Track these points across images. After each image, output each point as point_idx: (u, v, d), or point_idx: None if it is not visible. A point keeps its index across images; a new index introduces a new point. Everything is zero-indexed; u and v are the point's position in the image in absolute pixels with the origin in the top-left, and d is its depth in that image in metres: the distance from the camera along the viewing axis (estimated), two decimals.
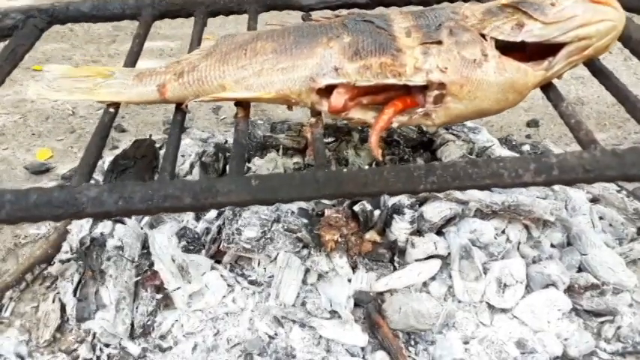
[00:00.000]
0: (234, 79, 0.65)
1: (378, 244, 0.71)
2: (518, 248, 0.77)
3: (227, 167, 0.91)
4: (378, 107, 0.67)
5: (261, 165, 0.90)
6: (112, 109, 0.69)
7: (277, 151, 0.88)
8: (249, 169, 0.89)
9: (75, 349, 0.67)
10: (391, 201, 0.77)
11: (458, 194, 0.76)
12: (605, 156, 0.56)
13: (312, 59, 0.64)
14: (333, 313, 0.69)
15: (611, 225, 0.83)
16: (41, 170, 1.03)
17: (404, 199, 0.77)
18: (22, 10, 0.89)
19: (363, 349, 0.65)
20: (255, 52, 0.66)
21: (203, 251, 0.75)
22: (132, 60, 0.79)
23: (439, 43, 0.65)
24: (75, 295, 0.69)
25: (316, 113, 0.65)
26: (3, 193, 0.53)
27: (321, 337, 0.67)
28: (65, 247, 0.78)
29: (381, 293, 0.70)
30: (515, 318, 0.70)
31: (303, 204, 0.79)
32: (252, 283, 0.73)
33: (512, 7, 0.68)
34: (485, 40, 0.65)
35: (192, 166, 0.91)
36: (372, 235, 0.71)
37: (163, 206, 0.53)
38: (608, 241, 0.81)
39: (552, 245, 0.79)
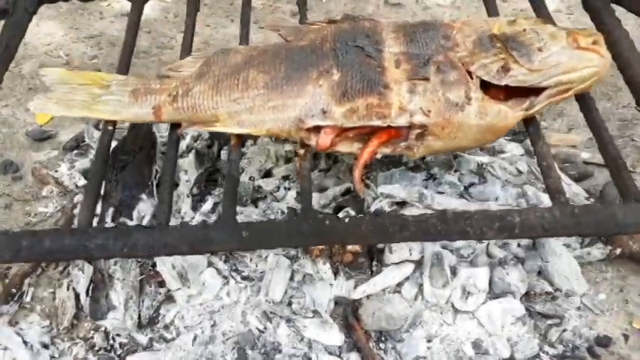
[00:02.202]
0: (227, 112, 0.68)
1: (358, 254, 0.79)
2: (487, 248, 0.85)
3: (221, 153, 0.96)
4: (363, 137, 0.70)
5: (255, 152, 0.94)
6: (110, 127, 0.72)
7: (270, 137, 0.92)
8: (243, 154, 0.94)
9: (91, 337, 0.78)
10: (373, 207, 0.84)
11: (435, 205, 0.82)
12: (563, 216, 0.61)
13: (302, 99, 0.66)
14: (316, 312, 0.78)
15: None
16: (42, 138, 1.07)
17: (385, 206, 0.83)
18: None
19: (339, 347, 0.76)
20: (247, 84, 0.68)
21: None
22: (125, 60, 0.80)
23: (426, 79, 0.67)
24: (87, 295, 0.78)
25: (305, 144, 0.69)
26: (20, 238, 0.59)
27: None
28: None
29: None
30: (475, 318, 0.80)
31: (292, 204, 0.86)
32: (244, 278, 0.82)
33: (501, 41, 0.69)
34: (472, 78, 0.68)
35: (188, 148, 0.96)
36: (353, 246, 0.78)
37: (163, 252, 0.60)
38: (571, 241, 0.88)
39: (519, 245, 0.87)
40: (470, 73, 0.68)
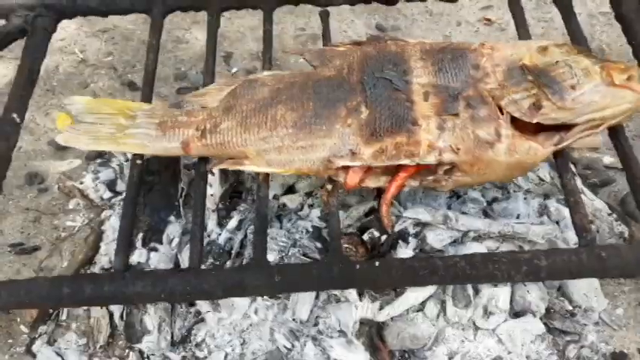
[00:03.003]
0: (255, 150, 0.68)
1: None
2: None
3: None
4: (390, 171, 0.70)
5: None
6: (138, 161, 0.73)
7: None
8: None
9: (127, 355, 0.81)
10: (398, 227, 0.85)
11: (459, 226, 0.83)
12: (590, 259, 0.62)
13: (330, 139, 0.66)
14: (341, 332, 0.81)
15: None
16: (65, 146, 1.07)
17: (409, 227, 0.84)
18: (27, 5, 0.86)
19: None
20: (276, 122, 0.67)
21: (228, 262, 0.85)
22: (148, 85, 0.79)
23: (455, 115, 0.67)
24: (122, 319, 0.80)
25: (332, 179, 0.69)
26: (61, 285, 0.61)
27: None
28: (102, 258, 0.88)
29: None
30: (496, 336, 0.82)
31: (316, 223, 0.87)
32: (271, 296, 0.84)
33: (533, 74, 0.67)
34: (502, 113, 0.67)
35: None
36: None
37: (200, 298, 0.62)
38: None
39: None
40: (500, 108, 0.67)
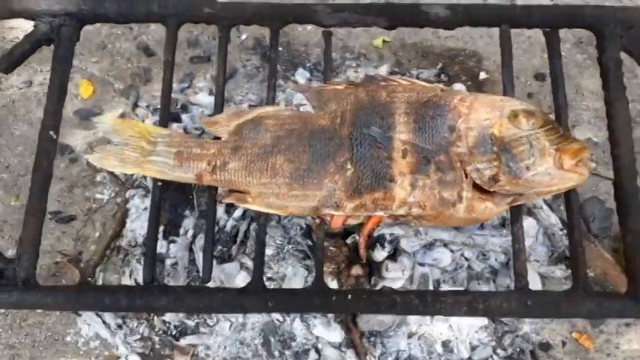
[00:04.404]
0: (257, 192, 0.81)
1: (360, 277, 0.98)
2: (468, 263, 1.04)
3: None
4: None
5: None
6: (159, 183, 0.86)
7: None
8: None
9: (152, 318, 1.02)
10: (376, 232, 1.00)
11: (428, 238, 0.99)
12: (518, 305, 0.78)
13: (320, 192, 0.79)
14: (323, 315, 1.01)
15: (549, 237, 1.07)
16: (89, 116, 1.19)
17: (387, 234, 0.99)
18: (51, 12, 0.92)
19: (340, 343, 1.00)
20: (275, 171, 0.80)
21: (233, 248, 1.03)
22: (165, 109, 0.89)
23: (426, 175, 0.78)
24: None
25: (320, 217, 0.83)
26: (104, 297, 0.78)
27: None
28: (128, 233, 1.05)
29: None
30: (448, 323, 1.02)
31: (309, 222, 1.02)
32: (268, 279, 1.03)
33: (498, 146, 0.78)
34: (466, 177, 0.78)
35: None
36: (356, 271, 0.97)
37: (211, 311, 0.80)
38: (541, 256, 1.06)
39: (495, 259, 1.05)
40: (465, 171, 0.79)
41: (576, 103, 1.23)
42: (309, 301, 0.79)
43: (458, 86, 1.20)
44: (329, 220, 0.82)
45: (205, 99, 1.18)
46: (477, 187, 0.79)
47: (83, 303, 0.78)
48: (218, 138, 0.86)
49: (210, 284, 0.80)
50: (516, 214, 0.83)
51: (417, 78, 1.22)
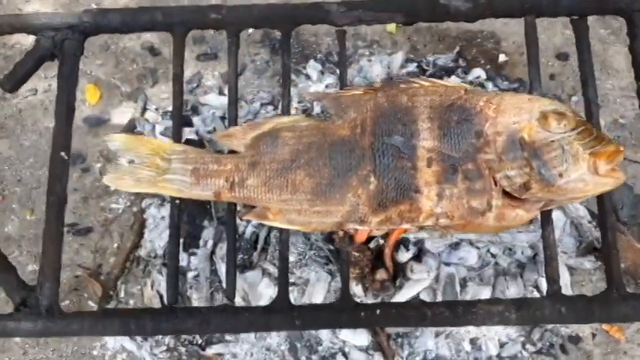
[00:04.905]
0: (277, 208, 0.78)
1: (385, 281, 0.97)
2: (495, 259, 1.02)
3: None
4: None
5: None
6: (177, 201, 0.84)
7: None
8: None
9: None
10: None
11: (452, 238, 0.96)
12: (551, 313, 0.76)
13: (343, 207, 0.76)
14: None
15: (577, 228, 1.04)
16: (98, 124, 1.16)
17: (410, 236, 0.97)
18: (52, 26, 0.88)
19: (367, 346, 0.99)
20: (295, 187, 0.77)
21: (254, 255, 1.01)
22: (177, 127, 0.85)
23: (454, 185, 0.75)
24: None
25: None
26: (129, 321, 0.77)
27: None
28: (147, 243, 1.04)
29: None
30: None
31: None
32: (291, 284, 1.02)
33: (529, 151, 0.74)
34: (495, 184, 0.75)
35: None
36: (381, 275, 0.95)
37: (237, 331, 0.78)
38: (569, 247, 1.04)
39: (522, 252, 1.03)
40: (494, 178, 0.76)
41: (601, 81, 1.18)
42: (336, 317, 0.77)
43: (477, 72, 1.15)
44: (353, 234, 0.79)
45: (215, 99, 1.15)
46: (506, 193, 0.76)
47: (109, 329, 0.78)
48: (233, 151, 0.83)
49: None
50: (547, 217, 0.80)
51: (434, 65, 1.17)
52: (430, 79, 0.83)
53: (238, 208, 0.82)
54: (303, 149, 0.79)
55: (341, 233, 0.83)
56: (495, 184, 0.75)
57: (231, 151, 0.84)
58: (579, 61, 0.84)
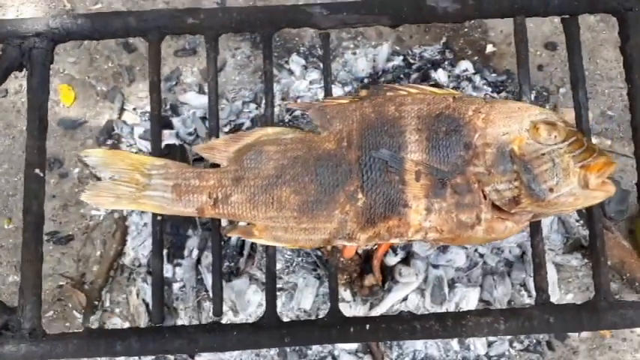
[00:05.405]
0: (263, 225, 0.76)
1: (373, 286, 0.96)
2: (483, 258, 1.02)
3: None
4: None
5: None
6: (159, 217, 0.81)
7: None
8: None
9: None
10: None
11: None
12: (540, 323, 0.76)
13: (330, 224, 0.74)
14: None
15: (564, 225, 1.04)
16: (74, 126, 1.11)
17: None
18: (19, 34, 0.84)
19: (356, 349, 0.99)
20: (281, 204, 0.75)
21: (241, 262, 1.00)
22: (157, 139, 0.82)
23: (443, 199, 0.74)
24: None
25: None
26: (115, 342, 0.76)
27: None
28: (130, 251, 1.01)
29: None
30: None
31: None
32: (279, 289, 1.01)
33: (519, 164, 0.72)
34: (484, 197, 0.74)
35: None
36: (369, 281, 0.95)
37: (226, 349, 0.77)
38: (556, 244, 1.04)
39: (510, 251, 1.03)
40: (483, 191, 0.74)
41: (589, 72, 1.16)
42: (326, 333, 0.77)
43: (464, 65, 1.12)
44: (341, 249, 0.78)
45: (195, 98, 1.11)
46: (495, 206, 0.75)
47: (94, 350, 0.76)
48: (216, 164, 0.80)
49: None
50: (536, 227, 0.79)
51: (421, 57, 1.14)
52: (418, 85, 0.81)
53: (223, 223, 0.79)
54: (288, 164, 0.76)
55: (329, 247, 0.82)
56: (485, 198, 0.74)
57: (214, 165, 0.81)
58: (569, 62, 0.82)
